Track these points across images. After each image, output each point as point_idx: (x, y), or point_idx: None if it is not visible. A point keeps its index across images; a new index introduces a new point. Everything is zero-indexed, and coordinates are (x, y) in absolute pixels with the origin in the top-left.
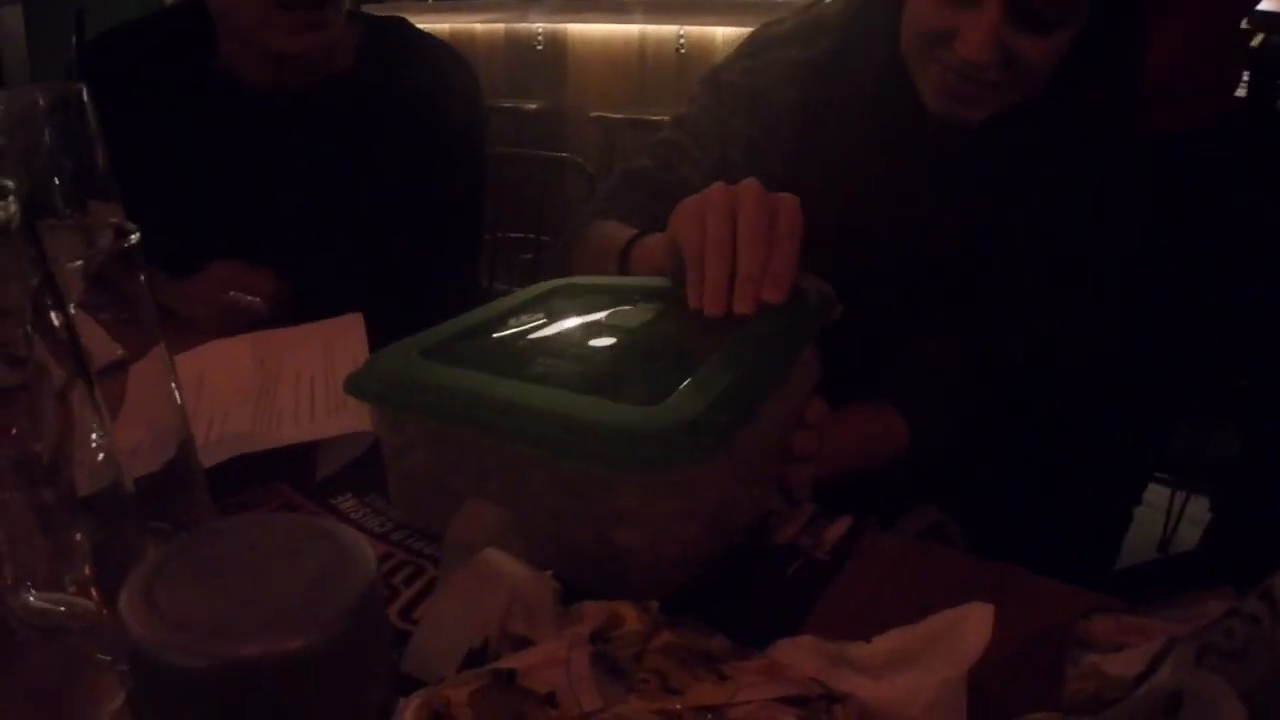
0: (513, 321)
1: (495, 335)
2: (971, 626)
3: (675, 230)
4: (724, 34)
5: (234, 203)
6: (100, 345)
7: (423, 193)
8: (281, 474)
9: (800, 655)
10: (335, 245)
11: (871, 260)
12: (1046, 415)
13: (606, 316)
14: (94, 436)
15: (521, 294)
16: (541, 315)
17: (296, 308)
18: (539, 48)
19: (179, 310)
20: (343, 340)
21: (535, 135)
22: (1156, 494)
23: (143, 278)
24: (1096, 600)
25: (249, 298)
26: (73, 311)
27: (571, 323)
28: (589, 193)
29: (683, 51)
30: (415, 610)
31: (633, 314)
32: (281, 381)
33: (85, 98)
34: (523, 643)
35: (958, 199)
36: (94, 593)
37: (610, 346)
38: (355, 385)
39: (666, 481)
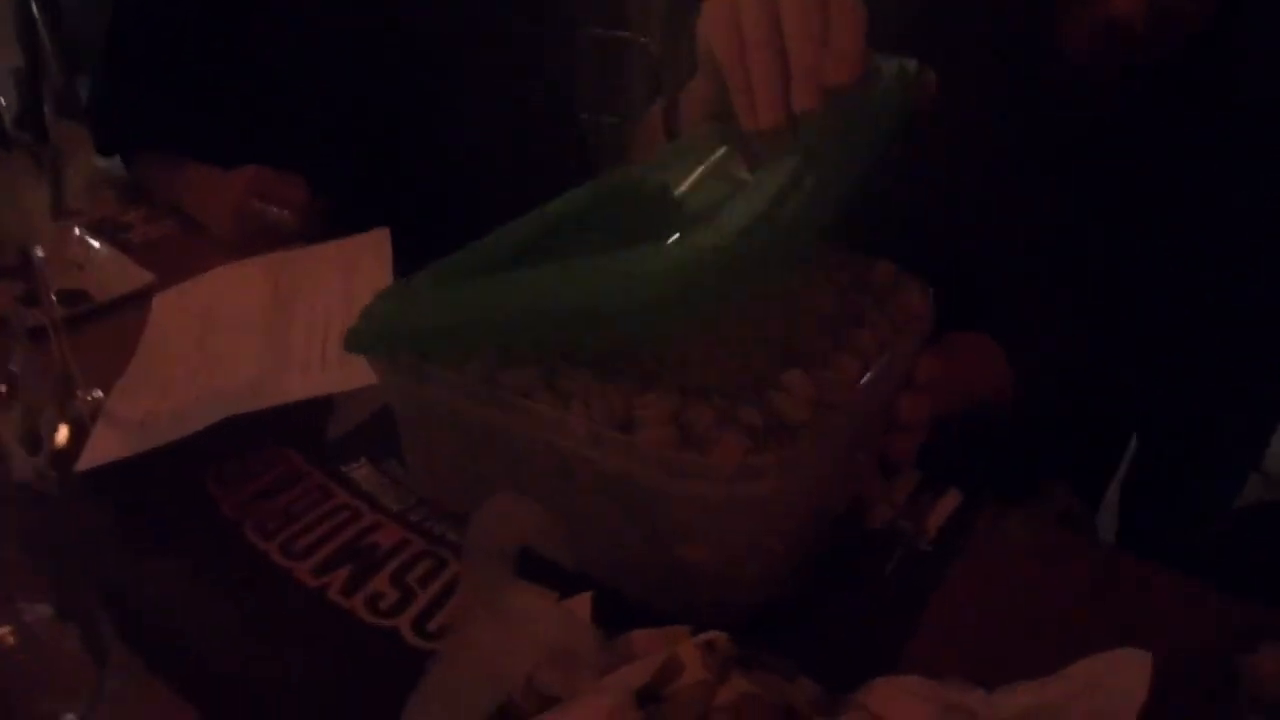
0: (549, 236)
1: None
2: (1125, 681)
3: (706, 37)
4: None
5: (268, 74)
6: (118, 273)
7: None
8: (288, 431)
9: (903, 703)
10: (395, 126)
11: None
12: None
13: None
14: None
15: (562, 200)
16: (582, 223)
17: (337, 215)
18: None
19: (200, 219)
20: (366, 263)
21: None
22: None
23: None
24: (1256, 614)
25: (276, 210)
26: (91, 245)
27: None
28: (653, 75)
29: None
30: (432, 619)
31: (691, 187)
32: (295, 316)
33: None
34: (553, 701)
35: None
36: None
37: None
38: (355, 340)
39: (738, 497)
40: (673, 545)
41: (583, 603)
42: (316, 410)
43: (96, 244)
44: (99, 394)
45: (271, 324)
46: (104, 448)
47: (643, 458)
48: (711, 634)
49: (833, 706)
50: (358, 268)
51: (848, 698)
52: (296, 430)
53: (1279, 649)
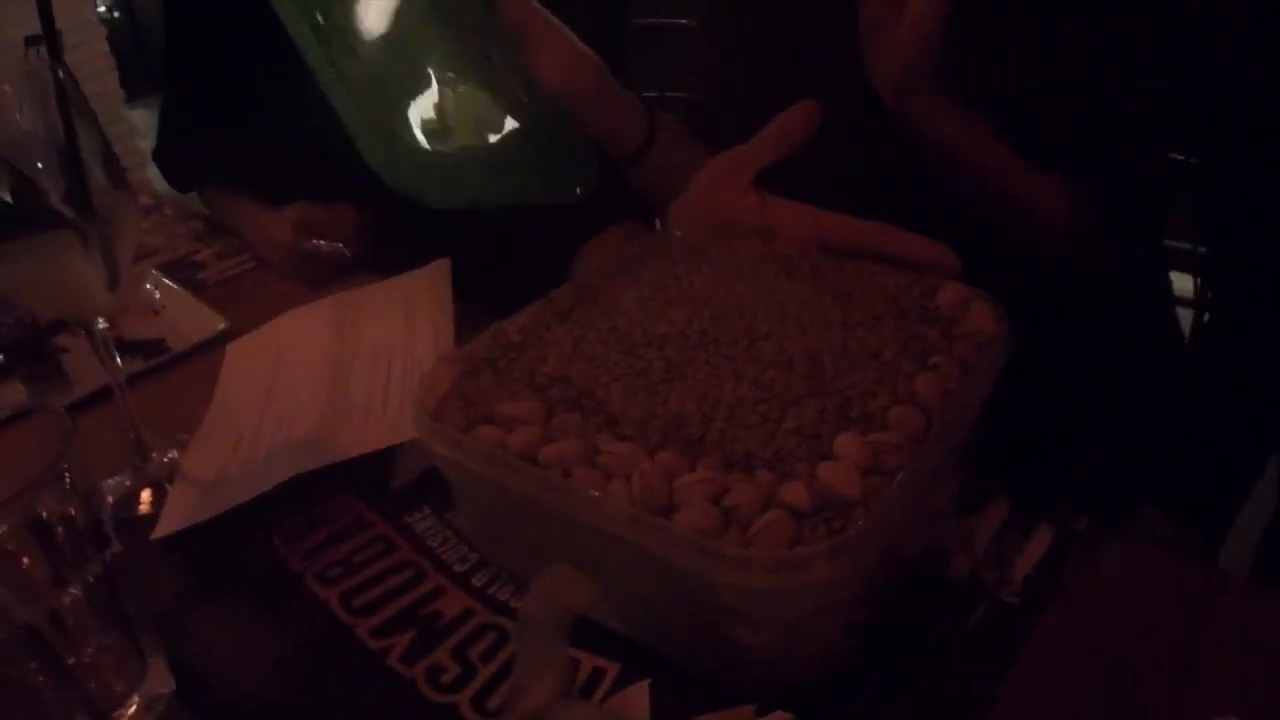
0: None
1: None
2: None
3: None
4: None
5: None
6: (192, 318)
7: None
8: (352, 479)
9: None
10: None
11: None
12: None
13: None
14: None
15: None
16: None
17: (390, 238)
18: None
19: (261, 258)
20: (425, 296)
21: None
22: None
23: None
24: None
25: (330, 244)
26: (167, 288)
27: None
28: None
29: None
30: (491, 696)
31: None
32: (358, 359)
33: (60, 70)
34: None
35: None
36: None
37: None
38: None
39: (785, 587)
40: (721, 626)
41: (639, 694)
42: (380, 454)
43: (172, 288)
44: (174, 454)
45: (335, 369)
46: (179, 512)
47: (681, 543)
48: (778, 716)
49: None
50: (417, 302)
51: None
52: (359, 475)
53: None
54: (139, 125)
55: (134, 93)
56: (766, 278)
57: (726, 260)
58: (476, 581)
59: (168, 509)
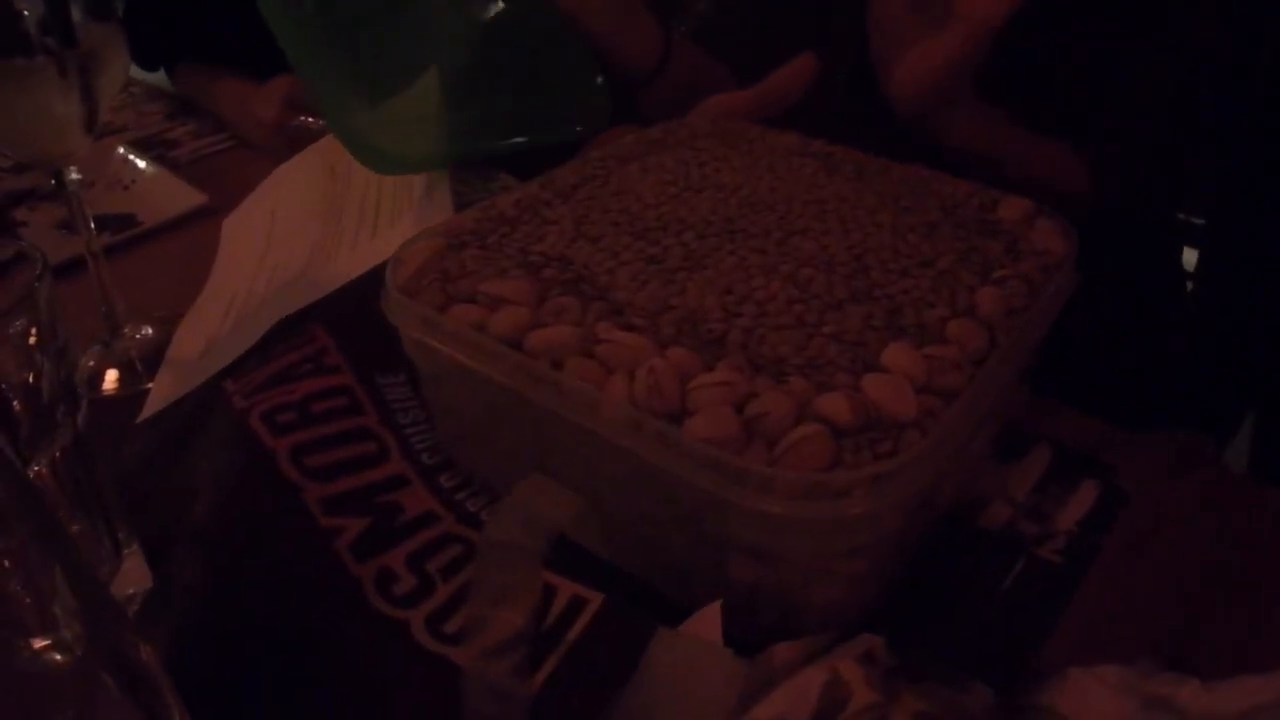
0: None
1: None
2: None
3: None
4: None
5: None
6: (167, 194)
7: None
8: (320, 310)
9: (1098, 701)
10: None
11: None
12: None
13: None
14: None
15: None
16: None
17: None
18: None
19: (242, 135)
20: None
21: None
22: None
23: None
24: None
25: (320, 121)
26: (137, 164)
27: None
28: None
29: None
30: (449, 620)
31: None
32: (352, 192)
33: None
34: None
35: None
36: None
37: None
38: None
39: (814, 518)
40: (726, 561)
41: (712, 616)
42: (363, 292)
43: (143, 163)
44: (148, 331)
45: (329, 211)
46: (164, 392)
47: (692, 456)
48: (866, 641)
49: (1014, 714)
50: None
51: (1026, 703)
52: (332, 311)
53: None
54: None
55: None
56: (805, 173)
57: (759, 150)
58: (445, 482)
59: (153, 393)
